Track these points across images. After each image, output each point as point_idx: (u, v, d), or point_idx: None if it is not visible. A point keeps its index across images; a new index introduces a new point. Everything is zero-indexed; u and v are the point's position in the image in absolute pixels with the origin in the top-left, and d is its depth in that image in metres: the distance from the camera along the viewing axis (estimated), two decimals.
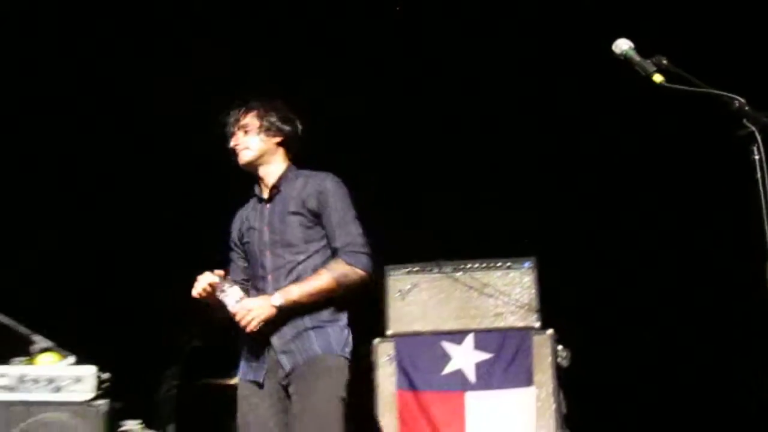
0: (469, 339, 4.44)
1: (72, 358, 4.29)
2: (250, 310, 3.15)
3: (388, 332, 4.58)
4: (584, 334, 4.73)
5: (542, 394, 4.40)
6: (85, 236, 5.79)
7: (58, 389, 4.16)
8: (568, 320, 4.69)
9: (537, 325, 4.54)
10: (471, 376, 4.41)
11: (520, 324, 4.51)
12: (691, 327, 5.03)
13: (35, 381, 4.18)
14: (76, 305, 5.38)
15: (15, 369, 4.20)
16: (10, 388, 4.14)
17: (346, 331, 3.33)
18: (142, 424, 4.53)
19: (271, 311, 3.14)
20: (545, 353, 4.46)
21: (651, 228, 5.24)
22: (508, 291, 4.54)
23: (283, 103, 3.58)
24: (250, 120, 3.43)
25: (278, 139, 3.44)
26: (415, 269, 4.64)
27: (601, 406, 4.85)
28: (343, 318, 3.34)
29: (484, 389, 4.41)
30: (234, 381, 4.61)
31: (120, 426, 4.39)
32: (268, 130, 3.44)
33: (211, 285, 3.18)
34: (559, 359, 4.48)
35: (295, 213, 3.23)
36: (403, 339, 4.54)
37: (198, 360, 4.81)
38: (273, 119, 3.47)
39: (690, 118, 3.92)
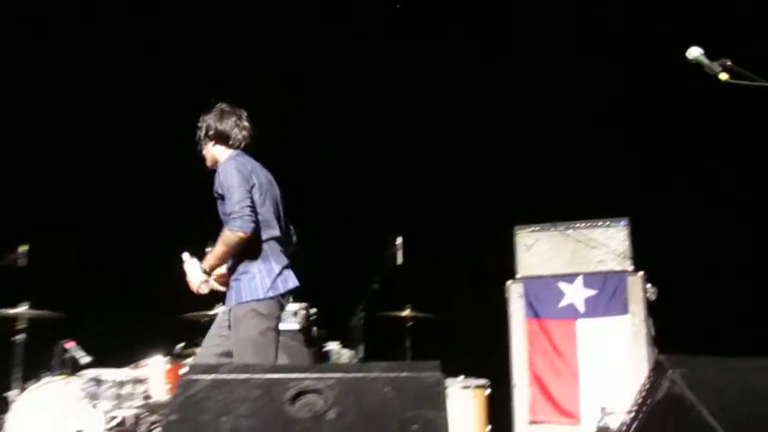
0: (579, 280, 5.25)
1: (289, 299, 5.42)
2: (188, 278, 3.82)
3: (518, 276, 5.45)
4: (668, 274, 5.37)
5: (635, 321, 5.16)
6: None
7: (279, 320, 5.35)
8: (654, 264, 5.36)
9: (630, 268, 5.32)
10: (581, 307, 5.19)
11: (618, 268, 5.28)
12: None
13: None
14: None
15: None
16: None
17: (258, 278, 3.68)
18: (340, 344, 5.65)
19: (202, 276, 3.77)
20: (637, 290, 5.23)
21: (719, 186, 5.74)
22: (608, 243, 5.32)
23: (219, 108, 4.02)
24: (198, 135, 4.02)
25: (213, 141, 3.95)
26: (537, 228, 5.47)
27: (682, 330, 5.28)
28: (252, 269, 3.70)
29: (590, 317, 5.18)
30: (404, 313, 5.91)
31: (324, 346, 5.51)
32: (206, 137, 3.98)
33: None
34: (648, 294, 5.24)
35: (216, 196, 3.79)
36: (528, 281, 5.38)
37: (377, 298, 5.57)
38: (203, 127, 3.99)
39: None
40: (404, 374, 1.96)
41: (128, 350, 5.54)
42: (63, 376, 5.26)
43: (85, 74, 6.86)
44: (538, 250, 5.51)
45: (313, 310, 5.42)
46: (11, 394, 5.40)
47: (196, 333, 5.67)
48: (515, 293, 5.49)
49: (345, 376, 1.97)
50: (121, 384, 5.08)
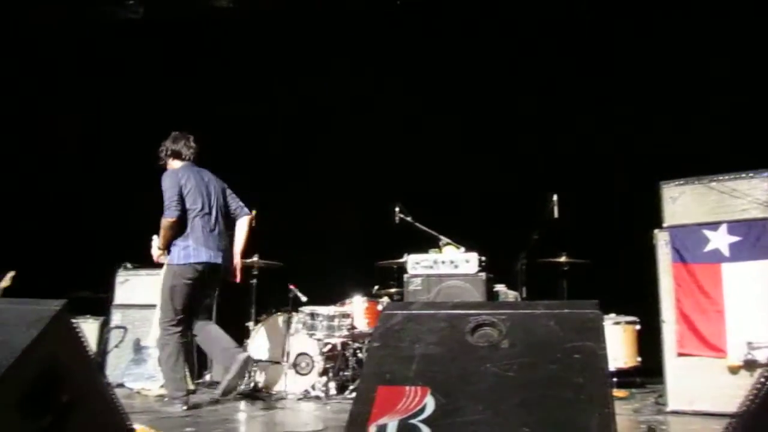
0: (723, 227, 4.77)
1: (462, 249, 5.43)
2: (152, 251, 4.71)
3: (664, 225, 5.01)
4: None
5: None
6: None
7: (456, 266, 5.33)
8: None
9: None
10: (725, 252, 4.75)
11: (761, 216, 4.76)
12: None
13: (443, 262, 5.34)
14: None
15: (430, 256, 5.41)
16: (429, 267, 5.37)
17: (176, 250, 4.54)
18: (506, 286, 5.65)
19: (158, 251, 4.68)
20: None
21: None
22: (751, 193, 4.78)
23: (173, 135, 4.83)
24: (160, 154, 4.86)
25: (171, 158, 4.80)
26: (681, 182, 5.14)
27: None
28: (177, 243, 4.54)
29: (735, 261, 4.72)
30: (561, 259, 5.80)
31: (493, 287, 5.49)
32: (165, 155, 4.82)
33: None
34: None
35: None
36: (674, 229, 4.95)
37: (537, 246, 5.56)
38: (163, 149, 4.83)
39: None
40: (566, 311, 1.92)
41: (335, 291, 5.81)
42: (287, 312, 5.63)
43: None
44: (682, 201, 5.09)
45: (483, 258, 5.38)
46: (249, 324, 5.87)
47: (388, 277, 5.88)
48: (662, 241, 5.07)
49: (515, 312, 1.96)
50: (331, 318, 5.37)
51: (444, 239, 5.57)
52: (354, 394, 5.03)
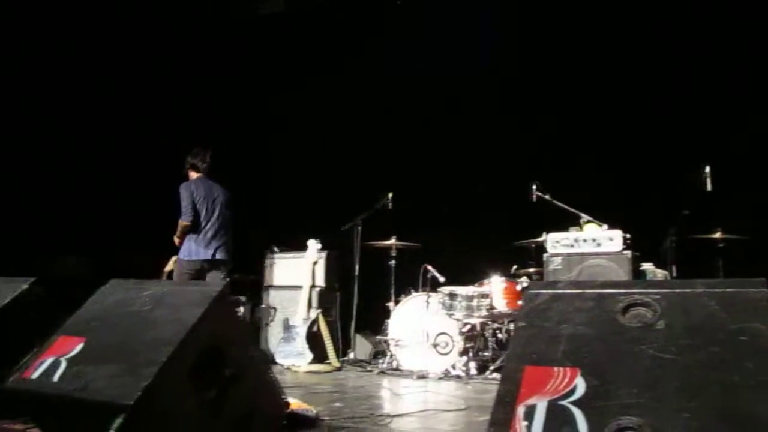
0: None
1: (605, 226, 5.16)
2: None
3: None
4: None
5: None
6: None
7: (599, 245, 5.09)
8: None
9: None
10: None
11: None
12: None
13: (584, 240, 5.13)
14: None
15: (571, 234, 5.19)
16: (569, 246, 5.17)
17: (184, 247, 5.49)
18: (653, 265, 5.21)
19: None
20: None
21: None
22: None
23: (194, 150, 5.72)
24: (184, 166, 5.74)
25: (189, 170, 5.69)
26: None
27: None
28: (185, 241, 5.49)
29: None
30: (715, 236, 5.39)
31: (640, 266, 5.17)
32: (187, 168, 5.70)
33: None
34: None
35: None
36: None
37: (687, 222, 5.17)
38: (186, 162, 5.70)
39: None
40: (729, 289, 1.78)
41: (473, 272, 5.78)
42: (425, 292, 5.68)
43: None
44: None
45: (627, 235, 5.11)
46: (389, 305, 6.00)
47: (526, 257, 5.77)
48: None
49: (670, 291, 1.84)
50: (470, 298, 5.36)
51: (585, 216, 5.36)
52: (494, 375, 5.05)
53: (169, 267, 6.51)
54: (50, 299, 2.95)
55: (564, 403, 1.65)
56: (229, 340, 2.43)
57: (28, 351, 2.56)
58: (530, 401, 1.68)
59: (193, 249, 5.47)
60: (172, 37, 7.51)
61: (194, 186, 5.58)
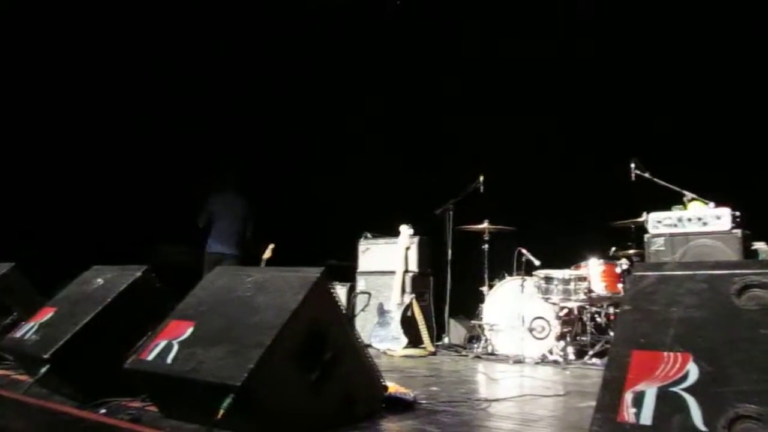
0: None
1: (712, 204, 4.89)
2: None
3: None
4: None
5: None
6: None
7: (705, 224, 4.84)
8: None
9: None
10: None
11: None
12: None
13: (689, 219, 4.88)
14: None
15: (674, 213, 4.96)
16: (672, 225, 4.92)
17: (207, 243, 6.79)
18: (766, 244, 4.83)
19: None
20: None
21: None
22: None
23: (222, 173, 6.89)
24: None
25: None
26: None
27: None
28: (208, 239, 6.77)
29: None
30: None
31: (752, 245, 4.82)
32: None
33: None
34: None
35: None
36: None
37: None
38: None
39: None
40: None
41: (568, 254, 5.64)
42: (520, 276, 5.59)
43: None
44: None
45: (737, 213, 4.82)
46: (483, 289, 5.95)
47: (625, 238, 5.56)
48: None
49: None
50: (567, 281, 5.22)
51: (689, 194, 5.09)
52: (594, 360, 4.91)
53: (267, 254, 6.75)
54: (161, 285, 3.11)
55: (675, 389, 1.58)
56: (329, 324, 2.49)
57: (143, 334, 2.73)
58: (639, 387, 1.63)
59: (209, 244, 6.88)
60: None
61: (213, 198, 6.94)
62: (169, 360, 2.42)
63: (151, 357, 2.49)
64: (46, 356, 2.76)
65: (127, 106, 7.26)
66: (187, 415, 2.44)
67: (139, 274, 3.07)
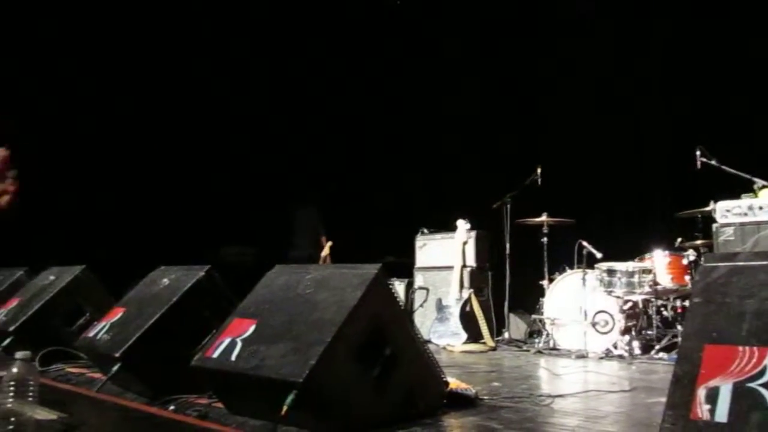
0: None
1: None
2: None
3: None
4: None
5: None
6: None
7: None
8: None
9: None
10: None
11: None
12: None
13: (760, 208, 4.60)
14: None
15: (743, 201, 4.71)
16: (742, 214, 4.65)
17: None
18: None
19: None
20: None
21: None
22: None
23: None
24: None
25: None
26: None
27: None
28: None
29: None
30: None
31: None
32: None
33: None
34: None
35: None
36: None
37: None
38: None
39: None
40: None
41: (631, 246, 5.48)
42: (581, 269, 5.46)
43: None
44: None
45: None
46: (543, 283, 5.85)
47: (692, 228, 5.37)
48: None
49: None
50: (631, 274, 5.07)
51: (760, 182, 4.85)
52: (661, 354, 4.76)
53: (325, 252, 6.82)
54: (224, 284, 3.17)
55: (753, 385, 1.51)
56: (389, 320, 2.48)
57: (208, 332, 2.79)
58: (712, 383, 1.56)
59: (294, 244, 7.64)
60: None
61: (293, 206, 7.67)
62: (233, 357, 2.46)
63: (215, 354, 2.54)
64: (117, 355, 2.86)
65: (196, 110, 7.44)
66: (252, 412, 2.48)
67: (202, 273, 3.13)
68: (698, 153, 5.16)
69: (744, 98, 5.85)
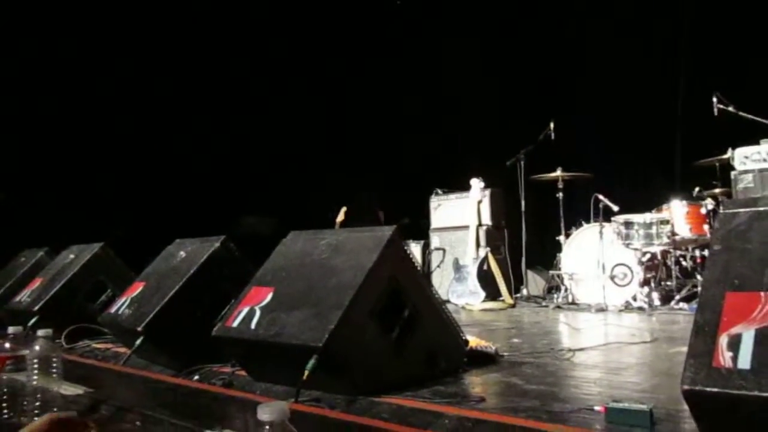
0: None
1: None
2: None
3: None
4: None
5: None
6: None
7: None
8: None
9: None
10: None
11: None
12: None
13: None
14: None
15: (762, 147, 4.52)
16: (762, 160, 4.52)
17: None
18: None
19: None
20: None
21: None
22: None
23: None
24: None
25: None
26: None
27: None
28: None
29: None
30: None
31: None
32: None
33: None
34: None
35: None
36: None
37: None
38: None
39: None
40: None
41: (648, 197, 5.42)
42: (598, 223, 5.41)
43: None
44: None
45: None
46: (560, 238, 5.81)
47: (710, 177, 5.29)
48: None
49: None
50: (648, 225, 5.02)
51: None
52: (681, 305, 4.73)
53: (340, 217, 6.82)
54: (240, 254, 3.18)
55: None
56: (406, 282, 2.48)
57: (227, 302, 2.80)
58: (734, 330, 1.53)
59: None
60: None
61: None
62: (252, 325, 2.48)
63: (236, 324, 2.55)
64: (139, 329, 2.89)
65: (213, 81, 7.35)
66: (275, 378, 2.50)
67: (217, 244, 3.14)
68: (715, 100, 5.05)
69: (758, 42, 5.68)
